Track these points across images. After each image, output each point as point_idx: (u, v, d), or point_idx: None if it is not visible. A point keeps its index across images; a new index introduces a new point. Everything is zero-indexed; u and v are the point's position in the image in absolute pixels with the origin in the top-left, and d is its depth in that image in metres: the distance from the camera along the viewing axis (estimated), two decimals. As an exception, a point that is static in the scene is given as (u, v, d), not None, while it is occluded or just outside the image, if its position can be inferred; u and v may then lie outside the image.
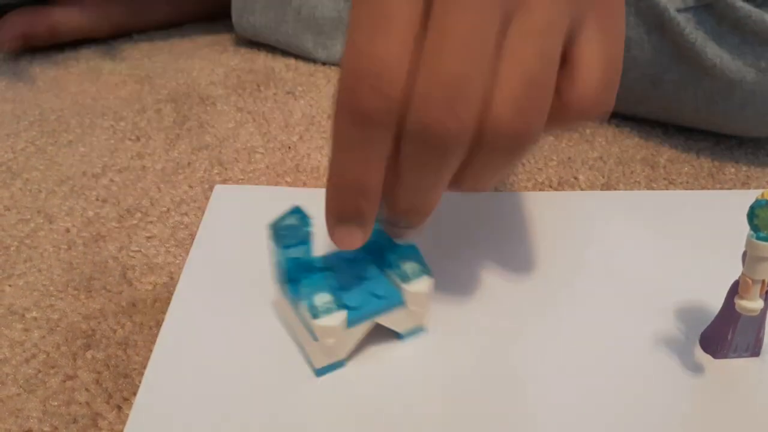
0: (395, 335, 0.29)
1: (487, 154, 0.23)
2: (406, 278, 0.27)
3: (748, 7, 0.40)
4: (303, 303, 0.26)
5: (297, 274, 0.27)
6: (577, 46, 0.24)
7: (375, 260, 0.29)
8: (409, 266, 0.27)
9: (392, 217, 0.26)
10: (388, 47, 0.22)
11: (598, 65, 0.24)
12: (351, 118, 0.22)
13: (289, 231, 0.26)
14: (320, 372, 0.27)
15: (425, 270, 0.28)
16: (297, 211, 0.26)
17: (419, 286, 0.27)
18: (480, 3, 0.21)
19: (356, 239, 0.25)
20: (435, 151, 0.22)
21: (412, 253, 0.28)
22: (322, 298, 0.26)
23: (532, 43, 0.22)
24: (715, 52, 0.41)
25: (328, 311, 0.26)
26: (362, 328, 0.27)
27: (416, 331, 0.29)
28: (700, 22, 0.41)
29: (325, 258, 0.29)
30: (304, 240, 0.26)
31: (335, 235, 0.25)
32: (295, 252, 0.27)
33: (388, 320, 0.28)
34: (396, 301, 0.27)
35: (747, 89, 0.41)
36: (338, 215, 0.25)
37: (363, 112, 0.22)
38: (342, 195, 0.24)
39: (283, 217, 0.26)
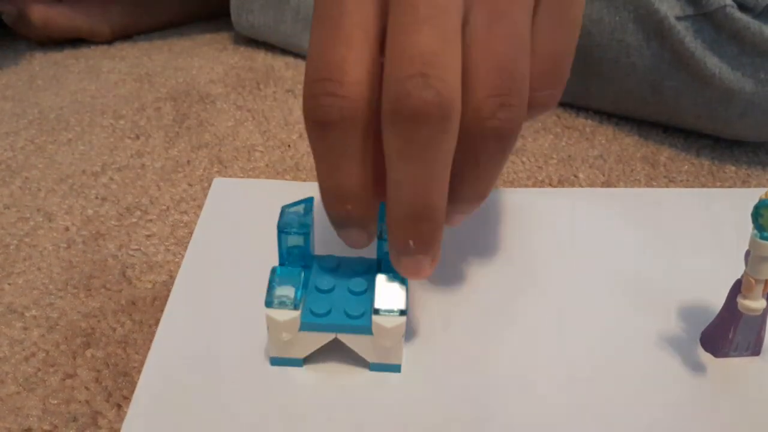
0: (366, 364, 0.27)
1: (475, 149, 0.23)
2: (377, 309, 0.26)
3: (747, 18, 0.40)
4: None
5: (288, 261, 0.27)
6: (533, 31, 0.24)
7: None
8: (386, 298, 0.26)
9: (396, 239, 0.24)
10: (340, 50, 0.21)
11: (547, 47, 0.24)
12: (314, 125, 0.23)
13: (292, 218, 0.26)
14: (274, 361, 0.27)
15: (401, 308, 0.26)
16: (307, 202, 0.27)
17: (387, 321, 0.25)
18: None
19: (361, 240, 0.26)
20: (417, 131, 0.21)
21: (398, 284, 0.26)
22: (284, 291, 0.25)
23: (502, 25, 0.22)
24: (714, 63, 0.41)
25: (281, 305, 0.25)
26: (321, 337, 0.26)
27: (388, 368, 0.27)
28: (698, 32, 0.41)
29: (331, 258, 0.28)
30: (303, 231, 0.26)
31: (341, 237, 0.26)
32: (294, 240, 0.27)
33: (352, 342, 0.26)
34: (362, 326, 0.26)
35: (746, 99, 0.41)
36: (334, 221, 0.25)
37: (322, 118, 0.22)
38: (331, 203, 0.24)
39: (294, 203, 0.27)
